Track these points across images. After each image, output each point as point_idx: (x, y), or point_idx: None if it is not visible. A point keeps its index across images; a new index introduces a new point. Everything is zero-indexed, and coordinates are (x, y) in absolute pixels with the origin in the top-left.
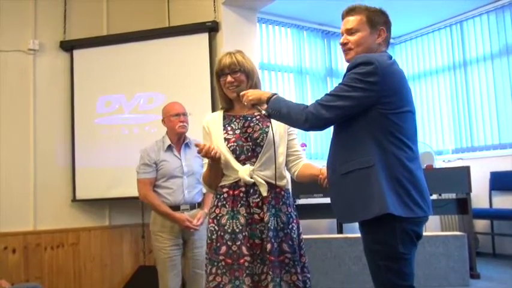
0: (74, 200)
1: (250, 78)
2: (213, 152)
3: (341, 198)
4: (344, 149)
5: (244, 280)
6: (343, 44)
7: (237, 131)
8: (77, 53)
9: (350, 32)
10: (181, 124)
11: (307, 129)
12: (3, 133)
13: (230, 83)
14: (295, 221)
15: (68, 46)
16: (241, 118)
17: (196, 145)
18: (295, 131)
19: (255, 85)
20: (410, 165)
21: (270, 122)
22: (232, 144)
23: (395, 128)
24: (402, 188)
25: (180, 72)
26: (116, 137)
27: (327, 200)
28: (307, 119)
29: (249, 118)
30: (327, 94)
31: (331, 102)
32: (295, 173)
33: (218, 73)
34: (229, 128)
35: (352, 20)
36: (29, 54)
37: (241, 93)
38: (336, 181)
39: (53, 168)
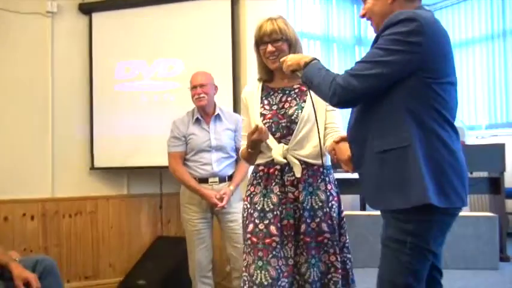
0: (92, 168)
1: (292, 48)
2: (262, 131)
3: (373, 181)
4: (378, 119)
5: (270, 261)
6: (362, 16)
7: (274, 107)
8: (96, 15)
9: (364, 0)
10: (198, 97)
11: (336, 105)
12: (21, 98)
13: (271, 52)
14: (335, 199)
15: (87, 9)
16: (279, 92)
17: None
18: None
19: None
20: (453, 147)
21: (310, 95)
22: (267, 120)
23: (438, 101)
24: (443, 173)
25: (201, 38)
26: (135, 104)
27: (350, 176)
28: (335, 92)
29: (287, 92)
30: (358, 62)
31: (365, 70)
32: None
33: (257, 41)
34: (266, 102)
35: None
36: (47, 17)
37: (281, 60)
38: (368, 159)
39: (72, 135)
